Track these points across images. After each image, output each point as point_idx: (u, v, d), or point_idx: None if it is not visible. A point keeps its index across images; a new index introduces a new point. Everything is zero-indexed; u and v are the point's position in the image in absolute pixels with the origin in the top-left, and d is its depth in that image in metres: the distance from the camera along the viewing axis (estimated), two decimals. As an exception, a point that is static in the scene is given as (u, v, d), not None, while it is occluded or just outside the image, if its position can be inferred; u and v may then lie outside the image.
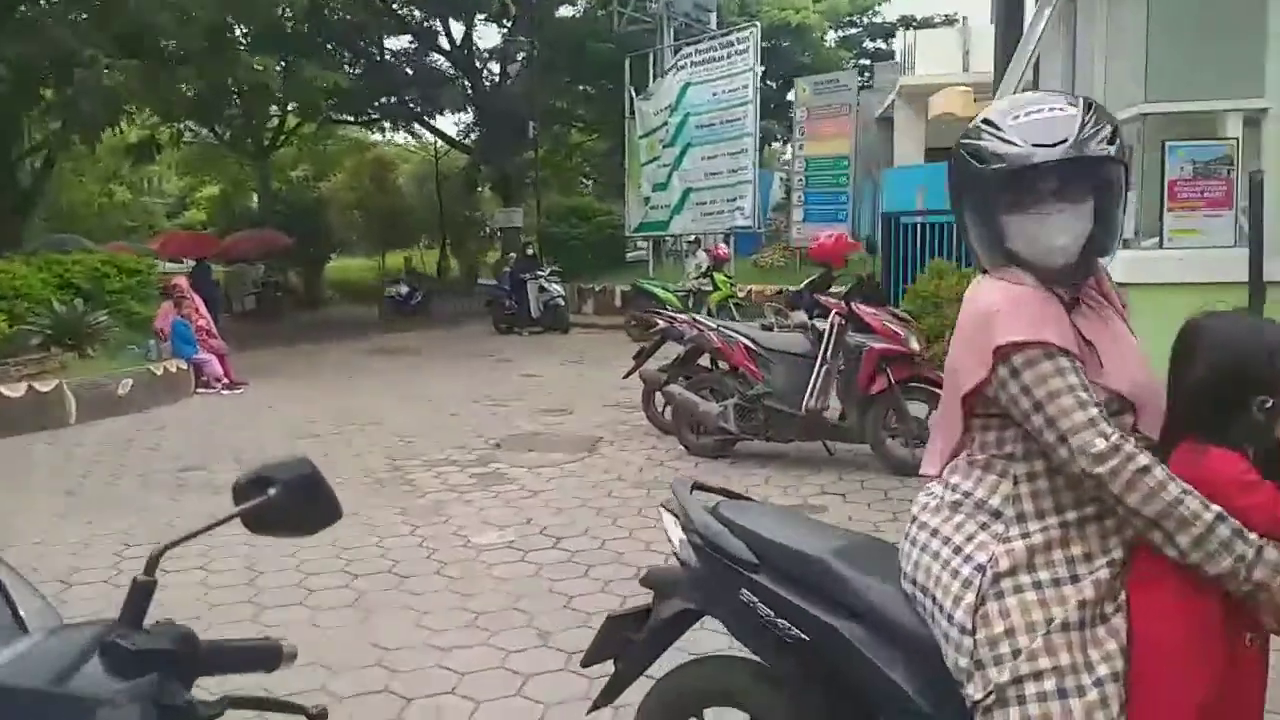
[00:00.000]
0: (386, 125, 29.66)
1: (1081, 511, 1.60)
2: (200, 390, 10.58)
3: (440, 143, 30.45)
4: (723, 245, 14.80)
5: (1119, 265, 5.11)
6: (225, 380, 10.78)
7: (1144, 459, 1.52)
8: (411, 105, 24.93)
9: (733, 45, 17.36)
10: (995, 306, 1.60)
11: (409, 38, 25.14)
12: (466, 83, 25.21)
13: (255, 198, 29.41)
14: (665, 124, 18.48)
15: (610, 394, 9.82)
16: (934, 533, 1.69)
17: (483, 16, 24.05)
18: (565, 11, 25.46)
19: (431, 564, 4.73)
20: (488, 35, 26.37)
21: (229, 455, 7.39)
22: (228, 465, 7.01)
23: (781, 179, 24.49)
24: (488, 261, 34.28)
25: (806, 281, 7.66)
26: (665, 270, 19.26)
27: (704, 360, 7.10)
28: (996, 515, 1.64)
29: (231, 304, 20.54)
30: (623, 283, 19.08)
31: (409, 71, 24.99)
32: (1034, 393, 1.55)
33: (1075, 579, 1.57)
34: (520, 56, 25.15)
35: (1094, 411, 1.53)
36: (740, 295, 14.71)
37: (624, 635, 2.18)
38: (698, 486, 2.25)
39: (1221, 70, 4.85)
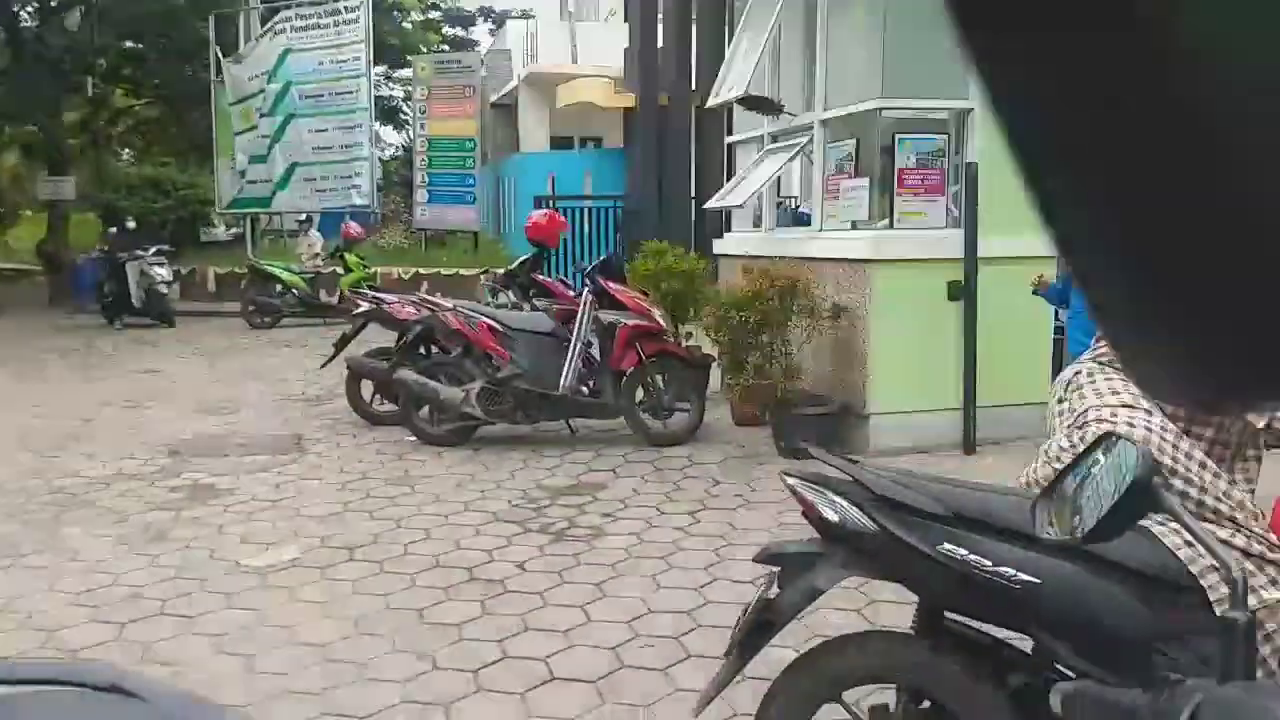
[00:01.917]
0: None
1: None
2: None
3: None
4: (354, 224, 13.81)
5: (860, 245, 5.69)
6: None
7: None
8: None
9: (340, 14, 16.29)
10: None
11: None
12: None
13: None
14: (262, 91, 16.78)
15: (275, 387, 8.81)
16: None
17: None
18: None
19: (213, 597, 3.89)
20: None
21: None
22: None
23: (380, 159, 23.51)
24: (8, 241, 28.63)
25: (519, 261, 7.50)
26: (264, 251, 17.64)
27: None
28: None
29: None
30: (213, 264, 17.07)
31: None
32: None
33: None
34: (54, 4, 21.25)
35: None
36: (370, 276, 13.88)
37: (766, 619, 2.00)
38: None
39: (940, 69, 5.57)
